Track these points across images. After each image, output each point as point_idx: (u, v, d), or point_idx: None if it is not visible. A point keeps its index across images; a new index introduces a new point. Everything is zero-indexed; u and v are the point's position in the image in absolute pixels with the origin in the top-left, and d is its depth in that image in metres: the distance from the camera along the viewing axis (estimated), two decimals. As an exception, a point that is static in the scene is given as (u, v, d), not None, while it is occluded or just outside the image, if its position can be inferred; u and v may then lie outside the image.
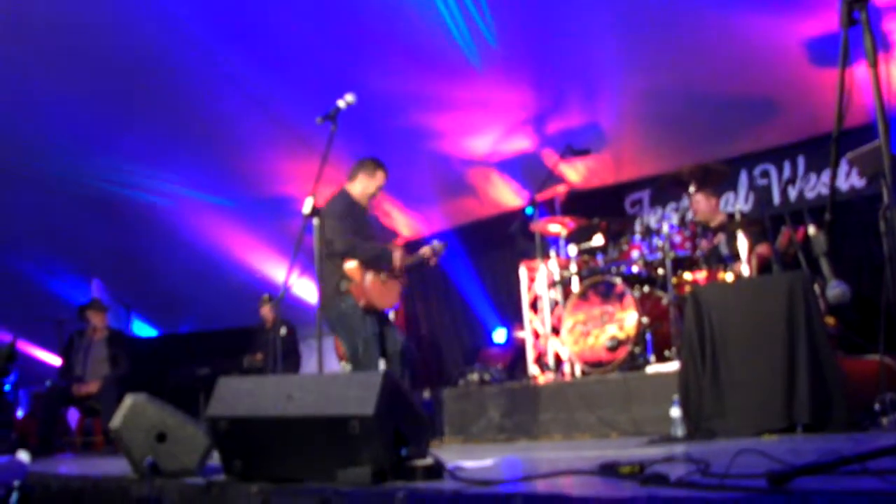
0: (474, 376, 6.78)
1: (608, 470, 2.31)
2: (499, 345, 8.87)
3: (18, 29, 6.41)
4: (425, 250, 5.37)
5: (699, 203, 6.15)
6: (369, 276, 4.90)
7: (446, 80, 7.02)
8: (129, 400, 3.37)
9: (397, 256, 5.01)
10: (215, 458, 2.99)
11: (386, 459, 2.51)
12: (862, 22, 2.39)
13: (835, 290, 2.56)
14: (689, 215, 6.15)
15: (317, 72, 6.85)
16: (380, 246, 5.02)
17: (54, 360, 10.58)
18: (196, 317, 11.44)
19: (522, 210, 7.26)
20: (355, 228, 4.96)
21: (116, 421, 3.30)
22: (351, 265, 4.88)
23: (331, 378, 2.84)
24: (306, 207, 4.31)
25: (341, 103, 4.33)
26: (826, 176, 7.21)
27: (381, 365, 5.04)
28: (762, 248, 5.63)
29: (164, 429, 3.29)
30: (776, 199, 7.47)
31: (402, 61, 6.81)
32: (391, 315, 8.59)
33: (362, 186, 5.15)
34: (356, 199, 5.14)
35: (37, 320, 9.50)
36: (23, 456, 3.62)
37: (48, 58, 6.76)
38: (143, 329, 11.90)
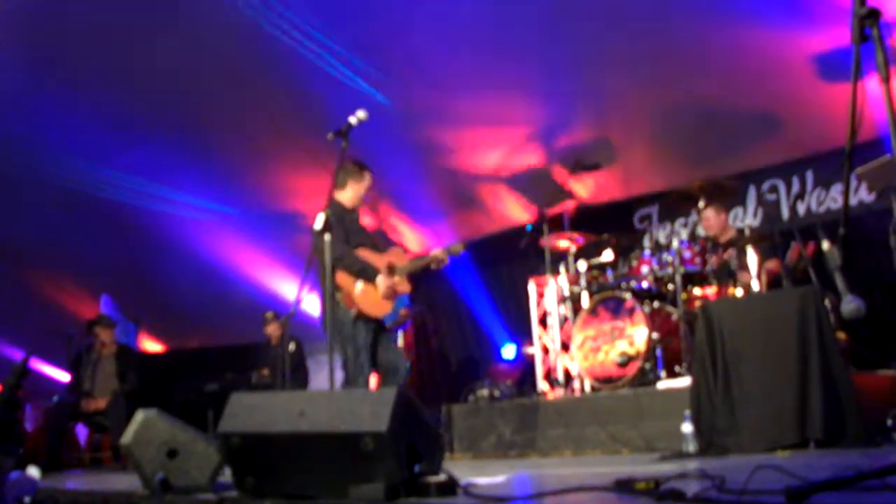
0: (484, 392, 6.76)
1: (623, 486, 2.30)
2: (508, 361, 8.84)
3: (29, 40, 6.46)
4: (436, 253, 5.09)
5: (708, 218, 6.13)
6: (360, 285, 4.78)
7: (456, 95, 7.03)
8: (140, 415, 3.36)
9: (381, 282, 4.77)
10: (227, 475, 2.98)
11: (399, 476, 2.50)
12: (874, 38, 2.39)
13: (850, 304, 2.55)
14: (699, 230, 6.13)
15: (327, 85, 6.88)
16: (367, 263, 4.82)
17: (63, 376, 10.58)
18: (204, 332, 11.44)
19: (524, 227, 7.24)
20: (346, 237, 4.83)
21: (128, 436, 3.30)
22: (341, 274, 4.76)
23: (343, 394, 2.84)
24: (317, 223, 4.29)
25: (353, 120, 4.27)
26: (834, 191, 7.19)
27: (373, 379, 4.97)
28: (772, 264, 5.61)
29: (175, 445, 3.28)
30: (785, 214, 7.45)
31: (411, 75, 6.84)
32: (399, 335, 8.68)
33: (353, 192, 5.01)
34: (347, 207, 5.01)
35: (45, 336, 9.50)
36: (33, 472, 3.61)
37: (58, 69, 6.81)
38: (150, 344, 11.91)
